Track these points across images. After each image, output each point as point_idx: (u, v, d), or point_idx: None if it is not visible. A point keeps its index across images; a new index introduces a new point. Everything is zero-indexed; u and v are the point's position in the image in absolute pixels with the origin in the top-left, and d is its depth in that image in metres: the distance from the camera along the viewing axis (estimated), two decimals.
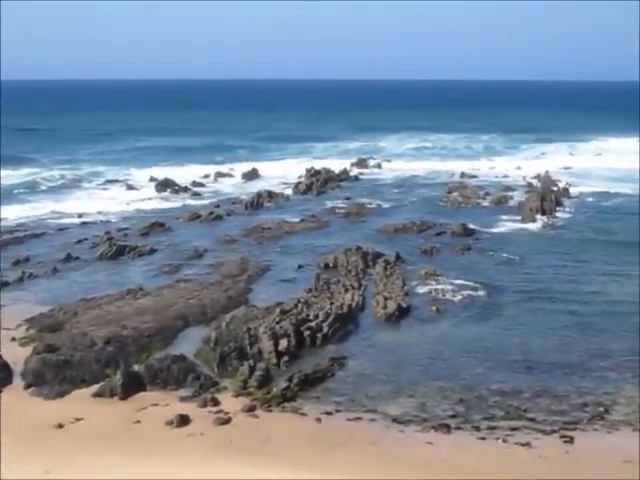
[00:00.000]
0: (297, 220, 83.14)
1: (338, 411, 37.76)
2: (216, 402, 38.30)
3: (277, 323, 47.00)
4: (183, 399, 38.92)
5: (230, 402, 38.47)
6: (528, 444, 34.25)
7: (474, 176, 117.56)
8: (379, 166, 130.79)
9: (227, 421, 36.22)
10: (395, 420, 36.73)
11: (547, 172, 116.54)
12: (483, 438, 35.03)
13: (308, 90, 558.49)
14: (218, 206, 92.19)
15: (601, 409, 37.95)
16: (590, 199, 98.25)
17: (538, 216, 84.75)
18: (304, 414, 37.44)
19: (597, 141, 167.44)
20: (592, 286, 59.02)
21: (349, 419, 36.94)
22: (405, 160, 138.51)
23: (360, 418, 36.99)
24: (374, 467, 31.97)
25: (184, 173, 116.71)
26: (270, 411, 37.60)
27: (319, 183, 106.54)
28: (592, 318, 51.80)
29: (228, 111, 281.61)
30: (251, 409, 37.56)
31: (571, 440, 34.72)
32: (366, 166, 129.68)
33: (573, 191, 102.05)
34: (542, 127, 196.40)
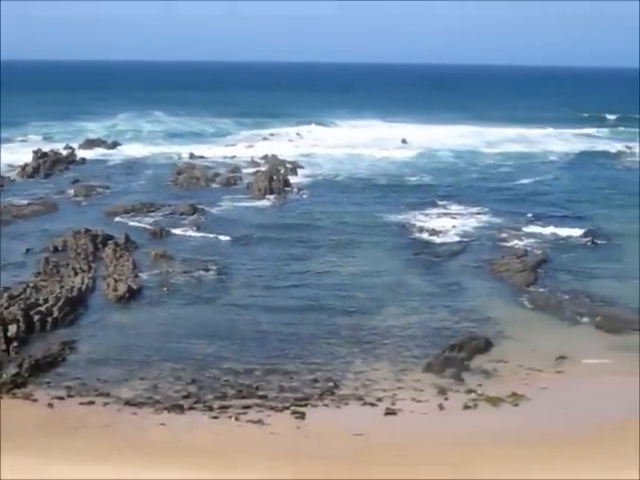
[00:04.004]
0: (25, 203, 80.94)
1: (70, 396, 37.60)
2: None
3: (5, 308, 46.05)
4: None
5: None
6: (260, 421, 35.29)
7: (203, 157, 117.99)
8: (108, 148, 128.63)
9: None
10: (128, 403, 36.96)
11: (274, 154, 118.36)
12: (216, 417, 35.83)
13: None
14: None
15: (331, 384, 39.58)
16: (309, 180, 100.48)
17: (267, 196, 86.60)
18: (35, 400, 37.05)
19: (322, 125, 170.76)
20: (321, 265, 61.04)
21: (81, 403, 36.88)
22: (135, 142, 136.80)
23: (92, 402, 36.99)
24: (107, 450, 32.08)
25: None
26: (0, 398, 36.91)
27: (46, 166, 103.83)
28: (320, 295, 53.72)
29: None
30: None
31: (302, 416, 36.01)
32: (95, 148, 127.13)
33: (301, 172, 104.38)
34: (276, 111, 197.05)
